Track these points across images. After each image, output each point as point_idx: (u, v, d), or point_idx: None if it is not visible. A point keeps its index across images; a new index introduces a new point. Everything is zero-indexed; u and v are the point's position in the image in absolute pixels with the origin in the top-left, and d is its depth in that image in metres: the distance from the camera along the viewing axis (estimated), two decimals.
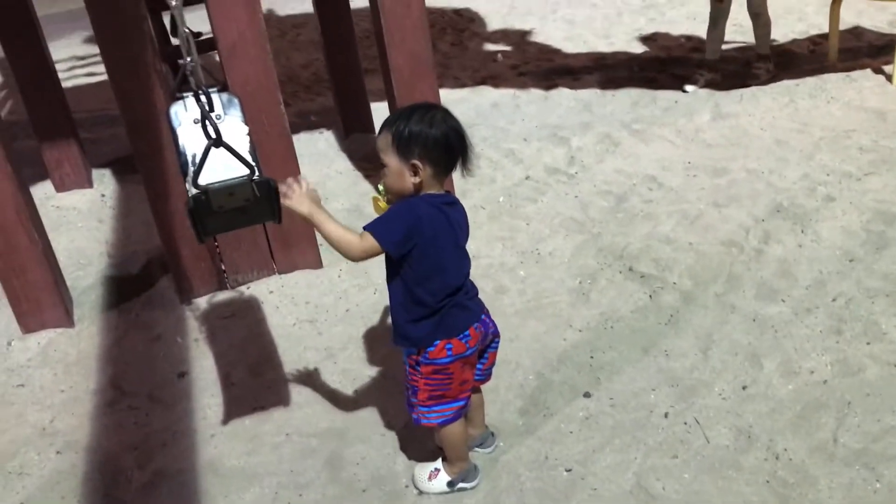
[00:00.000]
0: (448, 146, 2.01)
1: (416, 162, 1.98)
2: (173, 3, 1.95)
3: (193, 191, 1.89)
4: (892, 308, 2.80)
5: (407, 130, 1.98)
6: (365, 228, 2.01)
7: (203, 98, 1.91)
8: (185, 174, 2.02)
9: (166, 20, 5.58)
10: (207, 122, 1.86)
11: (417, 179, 2.01)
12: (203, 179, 1.92)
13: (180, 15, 1.92)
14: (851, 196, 3.57)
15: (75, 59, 7.13)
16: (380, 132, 2.05)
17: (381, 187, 2.12)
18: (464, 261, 2.13)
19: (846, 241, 3.24)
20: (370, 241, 1.98)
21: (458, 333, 2.09)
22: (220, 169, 1.95)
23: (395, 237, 1.98)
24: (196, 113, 2.01)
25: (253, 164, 1.97)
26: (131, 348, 3.11)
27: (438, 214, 2.02)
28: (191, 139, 2.02)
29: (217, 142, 1.86)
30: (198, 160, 1.94)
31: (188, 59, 1.92)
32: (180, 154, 2.03)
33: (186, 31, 1.89)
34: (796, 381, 2.53)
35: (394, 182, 2.03)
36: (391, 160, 2.01)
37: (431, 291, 2.05)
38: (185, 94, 2.07)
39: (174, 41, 5.42)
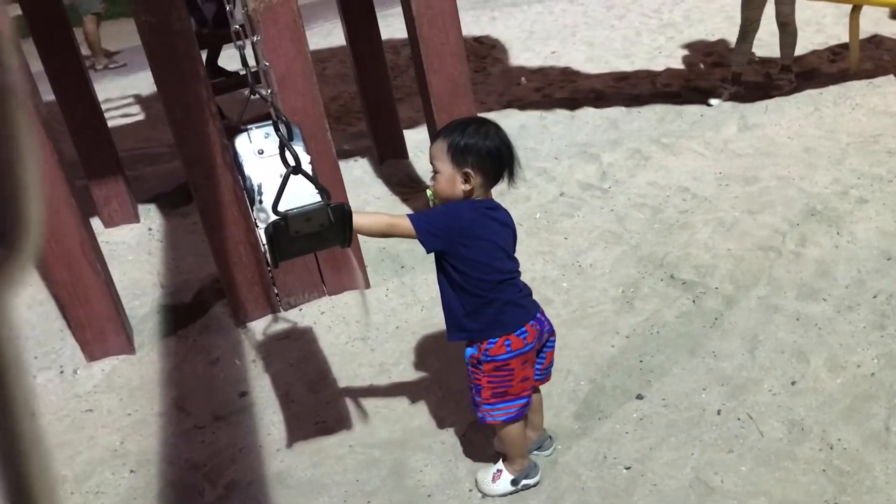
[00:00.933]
0: (499, 157, 2.15)
1: (469, 170, 2.11)
2: (254, 38, 2.08)
3: (272, 217, 2.00)
4: None
5: (463, 141, 2.11)
6: (409, 216, 2.13)
7: (283, 127, 2.03)
8: (252, 203, 2.13)
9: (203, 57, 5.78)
10: (286, 151, 1.97)
11: (468, 187, 2.13)
12: (280, 207, 2.03)
13: (254, 50, 2.05)
14: (884, 197, 3.64)
15: (109, 101, 7.36)
16: (435, 140, 2.19)
17: (429, 192, 2.25)
18: (506, 260, 2.22)
19: (882, 240, 3.31)
20: (404, 223, 2.10)
21: (515, 329, 2.19)
22: (291, 196, 2.06)
23: (430, 229, 2.10)
24: (259, 145, 2.14)
25: (327, 190, 2.09)
26: (192, 372, 3.23)
27: (479, 217, 2.14)
28: (256, 170, 2.14)
29: (297, 169, 1.98)
30: (265, 189, 2.05)
31: (268, 90, 2.04)
32: (247, 184, 2.15)
33: (266, 64, 2.02)
34: (844, 374, 2.60)
35: (444, 188, 2.16)
36: (445, 167, 2.13)
37: (476, 286, 2.16)
38: (248, 127, 2.20)
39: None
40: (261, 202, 2.13)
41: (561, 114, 5.50)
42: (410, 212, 4.51)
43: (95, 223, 4.61)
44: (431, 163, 2.19)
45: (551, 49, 7.10)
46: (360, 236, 3.69)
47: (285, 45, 3.08)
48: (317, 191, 1.99)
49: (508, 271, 2.21)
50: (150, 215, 4.71)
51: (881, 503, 2.11)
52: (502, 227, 2.20)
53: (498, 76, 6.70)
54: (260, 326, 3.43)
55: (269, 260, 2.05)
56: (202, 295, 3.72)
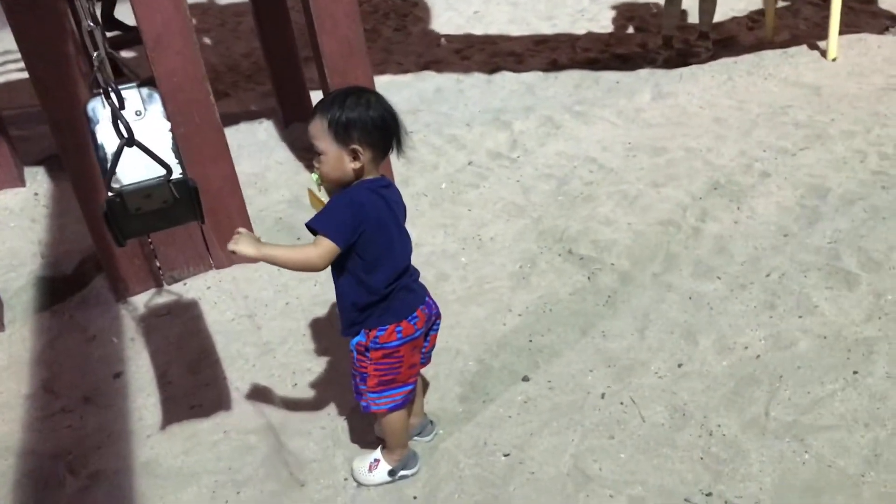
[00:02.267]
0: (385, 127, 2.00)
1: (356, 147, 1.96)
2: None
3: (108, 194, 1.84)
4: (824, 281, 2.85)
5: (344, 115, 1.95)
6: (309, 225, 1.97)
7: (113, 95, 1.84)
8: (104, 173, 1.95)
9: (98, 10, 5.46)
10: (118, 121, 1.80)
11: (358, 164, 1.98)
12: (122, 180, 1.86)
13: (85, 8, 1.85)
14: (786, 171, 3.62)
15: (7, 53, 6.92)
16: (312, 118, 2.01)
17: (315, 177, 2.08)
18: (407, 243, 2.12)
19: (780, 216, 3.28)
20: (326, 245, 1.94)
21: (406, 315, 2.09)
22: (140, 169, 1.89)
23: (345, 231, 1.96)
24: None
25: (172, 163, 1.91)
26: (65, 350, 3.04)
27: (378, 200, 2.01)
28: (109, 137, 1.95)
29: (130, 141, 1.80)
30: (110, 163, 1.87)
31: (94, 53, 1.85)
32: (98, 152, 1.96)
33: (90, 25, 1.83)
34: (731, 357, 2.56)
35: (331, 169, 2.00)
36: (328, 146, 1.97)
37: (381, 278, 2.04)
38: (101, 90, 2.01)
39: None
40: (107, 176, 1.95)
41: (478, 77, 5.35)
42: (313, 179, 4.31)
43: None
44: (312, 143, 2.01)
45: (474, 9, 6.92)
46: (253, 205, 3.52)
47: (161, 2, 2.85)
48: (158, 164, 1.82)
49: (409, 254, 2.10)
50: (38, 179, 4.44)
51: (753, 492, 2.08)
52: (397, 206, 2.08)
53: (418, 36, 6.50)
54: (141, 301, 3.25)
55: (112, 238, 1.88)
56: (83, 267, 3.51)
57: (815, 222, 3.21)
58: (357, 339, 2.13)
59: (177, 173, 1.92)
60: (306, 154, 4.42)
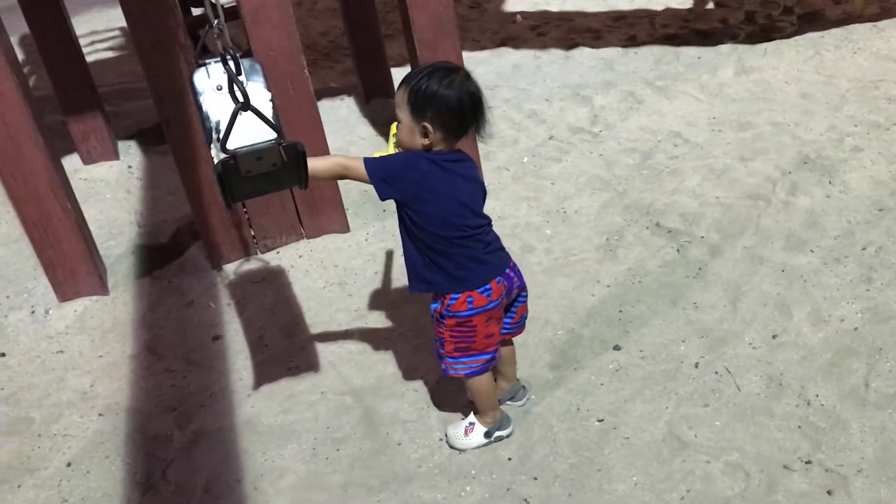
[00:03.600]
0: (461, 111, 2.01)
1: (427, 124, 1.99)
2: None
3: (221, 156, 1.91)
4: None
5: (423, 90, 1.98)
6: (365, 159, 2.04)
7: (231, 61, 1.91)
8: (209, 141, 2.03)
9: None
10: (235, 86, 1.86)
11: (427, 141, 2.02)
12: (231, 144, 1.93)
13: None
14: (880, 146, 3.53)
15: (94, 34, 7.16)
16: (399, 86, 2.06)
17: (393, 138, 2.14)
18: (467, 216, 2.10)
19: (875, 190, 3.22)
20: (359, 167, 2.02)
21: (478, 286, 2.11)
22: (247, 134, 1.95)
23: (384, 177, 2.01)
24: (218, 80, 2.01)
25: (280, 128, 1.98)
26: (165, 314, 3.17)
27: (437, 170, 2.03)
28: (214, 106, 2.02)
29: (245, 105, 1.87)
30: (223, 126, 1.95)
31: (215, 22, 1.92)
32: (204, 121, 2.03)
33: None
34: (826, 329, 2.53)
35: (405, 138, 2.06)
36: (405, 116, 2.02)
37: (433, 240, 2.08)
38: (207, 61, 2.08)
39: (195, 11, 5.44)
40: (218, 140, 2.03)
41: (556, 53, 5.34)
42: (392, 134, 4.38)
43: (74, 160, 4.51)
44: (395, 111, 2.08)
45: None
46: None
47: None
48: (270, 129, 1.89)
49: (471, 227, 2.10)
50: (131, 152, 4.60)
51: (855, 461, 2.07)
52: (465, 181, 2.08)
53: (493, 13, 6.51)
54: (235, 269, 3.36)
55: (222, 199, 1.96)
56: (179, 236, 3.64)
57: None
58: (434, 305, 2.19)
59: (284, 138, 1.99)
60: (387, 129, 4.48)
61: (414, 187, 2.03)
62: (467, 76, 2.05)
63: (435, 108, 1.98)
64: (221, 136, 1.92)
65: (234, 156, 1.91)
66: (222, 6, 2.04)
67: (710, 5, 5.87)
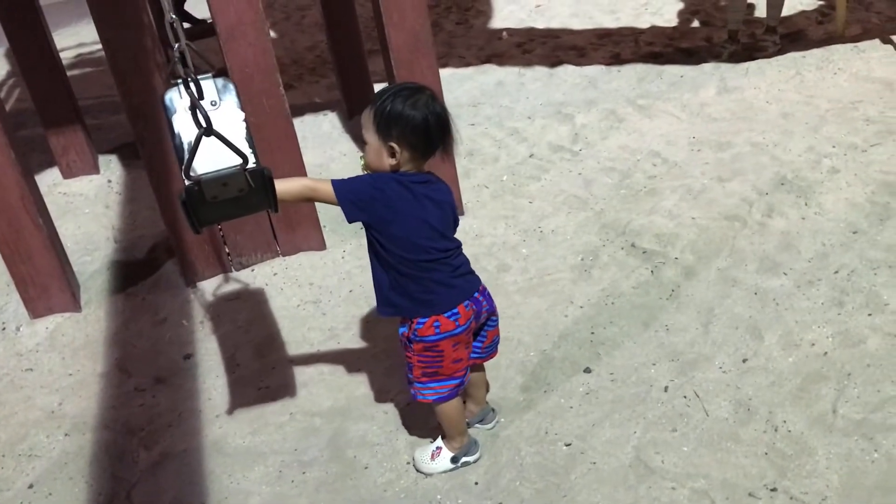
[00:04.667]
0: (426, 131, 2.01)
1: (393, 144, 1.99)
2: None
3: (186, 182, 1.89)
4: (895, 279, 2.79)
5: (389, 110, 1.99)
6: (333, 181, 2.04)
7: (193, 85, 1.90)
8: (181, 161, 2.02)
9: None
10: (197, 111, 1.85)
11: (394, 161, 2.02)
12: (198, 169, 1.91)
13: (167, 1, 1.92)
14: (856, 168, 3.54)
15: (81, 46, 7.16)
16: (366, 108, 2.06)
17: (362, 161, 2.14)
18: (435, 238, 2.08)
19: (850, 213, 3.22)
20: (327, 189, 2.02)
21: (444, 311, 2.10)
22: (213, 160, 1.94)
23: (352, 198, 2.01)
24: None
25: (247, 152, 1.96)
26: (138, 331, 3.15)
27: (404, 192, 2.03)
28: (186, 126, 2.01)
29: (208, 131, 1.85)
30: (188, 152, 1.93)
31: (175, 45, 1.91)
32: (175, 140, 2.02)
33: (172, 17, 1.89)
34: (797, 353, 2.53)
35: (372, 160, 2.06)
36: (371, 138, 2.03)
37: (400, 262, 2.07)
38: (179, 80, 2.07)
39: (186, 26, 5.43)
40: (186, 164, 2.01)
41: (540, 71, 5.35)
42: (360, 162, 4.37)
43: (54, 173, 4.50)
44: (362, 132, 2.08)
45: (536, 2, 6.91)
46: None
47: None
48: (235, 154, 1.87)
49: (438, 249, 2.09)
50: (111, 166, 4.59)
51: (820, 489, 2.05)
52: (433, 204, 2.07)
53: (480, 30, 6.52)
54: (210, 286, 3.35)
55: (189, 225, 1.94)
56: (155, 252, 3.63)
57: (886, 219, 3.14)
58: (402, 328, 2.17)
59: (251, 162, 1.97)
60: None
61: (381, 209, 2.02)
62: (433, 96, 2.05)
63: (400, 128, 1.98)
64: (185, 161, 1.90)
65: (198, 182, 1.89)
66: (199, 27, 2.04)
67: (696, 24, 5.89)
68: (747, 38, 5.30)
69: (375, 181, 2.04)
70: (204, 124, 1.82)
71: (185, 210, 1.88)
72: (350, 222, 2.07)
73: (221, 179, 1.84)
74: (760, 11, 5.45)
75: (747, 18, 5.57)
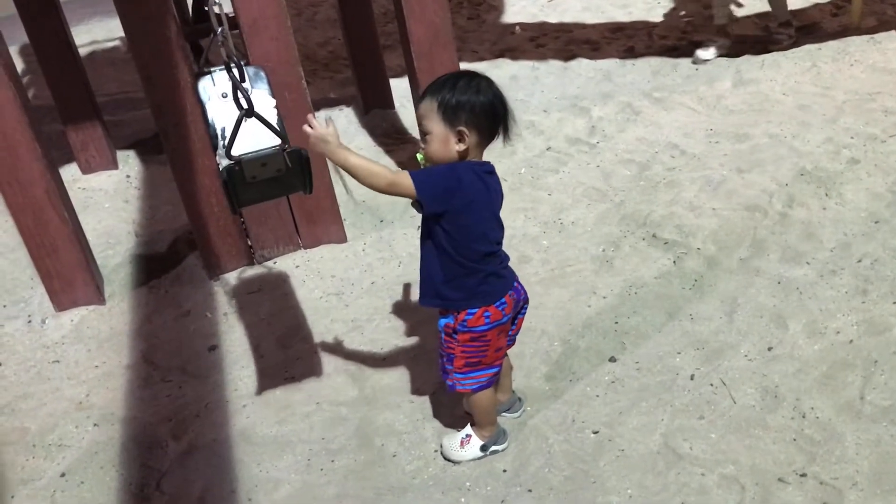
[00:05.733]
0: (494, 113, 2.02)
1: (463, 129, 1.99)
2: None
3: (226, 162, 1.92)
4: None
5: (455, 98, 1.98)
6: (410, 173, 1.99)
7: (234, 69, 1.93)
8: (215, 148, 2.04)
9: (189, 1, 5.62)
10: (239, 93, 1.88)
11: (463, 147, 2.01)
12: (236, 151, 1.94)
13: None
14: (876, 158, 3.54)
15: (94, 44, 7.19)
16: (422, 99, 2.05)
17: (420, 157, 2.12)
18: (497, 229, 2.13)
19: (871, 202, 3.22)
20: (405, 180, 1.96)
21: (495, 301, 2.12)
22: (252, 140, 1.97)
23: (431, 190, 1.98)
24: (223, 87, 2.03)
25: (284, 134, 2.00)
26: (162, 324, 3.17)
27: (478, 181, 2.03)
28: (220, 113, 2.04)
29: (249, 112, 1.89)
30: (228, 133, 1.96)
31: (219, 30, 1.94)
32: (210, 128, 2.05)
33: (217, 2, 1.92)
34: (822, 341, 2.53)
35: (437, 149, 2.02)
36: (436, 126, 2.00)
37: (465, 255, 2.07)
38: (212, 69, 2.10)
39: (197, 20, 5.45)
40: (224, 146, 2.04)
41: (554, 65, 5.35)
42: (393, 164, 4.42)
43: (72, 169, 4.52)
44: (420, 123, 2.07)
45: None
46: (339, 189, 3.62)
47: None
48: (274, 135, 1.90)
49: (498, 242, 2.12)
50: (129, 162, 4.61)
51: (850, 474, 2.06)
52: (496, 195, 2.10)
53: (492, 25, 6.52)
54: (233, 279, 3.36)
55: (228, 205, 1.97)
56: (176, 245, 3.65)
57: None
58: (445, 320, 2.17)
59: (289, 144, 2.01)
60: (386, 140, 4.50)
61: (458, 200, 2.00)
62: (490, 80, 2.06)
63: (468, 112, 1.98)
64: (226, 142, 1.94)
65: (239, 161, 1.93)
66: (226, 14, 2.06)
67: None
68: (762, 31, 5.29)
69: (451, 171, 2.01)
70: (245, 106, 1.85)
71: (225, 189, 1.91)
72: (428, 213, 2.03)
73: (261, 159, 1.87)
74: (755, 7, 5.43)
75: (763, 13, 5.56)
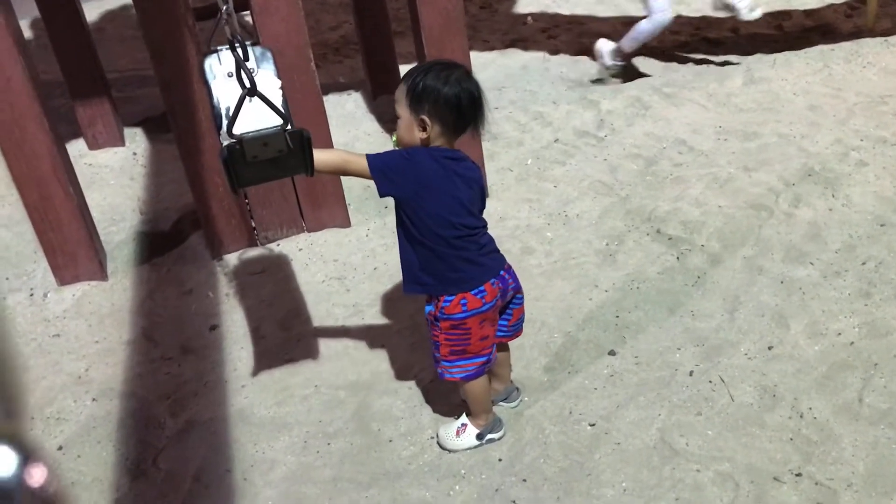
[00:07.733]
0: (458, 107, 2.02)
1: (425, 118, 2.00)
2: None
3: (228, 141, 1.92)
4: None
5: (421, 84, 2.00)
6: (367, 155, 2.05)
7: (238, 48, 1.92)
8: (218, 127, 2.04)
9: None
10: (242, 72, 1.87)
11: (424, 135, 2.03)
12: (237, 130, 1.94)
13: None
14: (885, 161, 3.52)
15: (106, 19, 7.17)
16: (399, 83, 2.08)
17: (394, 138, 2.16)
18: (465, 215, 2.10)
19: (878, 205, 3.21)
20: (362, 163, 2.03)
21: (471, 288, 2.11)
22: (254, 120, 1.97)
23: (386, 172, 2.02)
24: (229, 66, 2.03)
25: (286, 115, 1.99)
26: (163, 302, 3.18)
27: (435, 166, 2.04)
28: (225, 92, 2.04)
29: (252, 91, 1.88)
30: (231, 112, 1.96)
31: (223, 7, 1.93)
32: (214, 107, 2.05)
33: None
34: (823, 342, 2.53)
35: (404, 134, 2.07)
36: (403, 112, 2.04)
37: (432, 240, 2.08)
38: (219, 48, 2.09)
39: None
40: (229, 123, 2.04)
41: (565, 57, 5.33)
42: (392, 139, 4.39)
43: (79, 145, 4.52)
44: (394, 107, 2.09)
45: None
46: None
47: None
48: (276, 115, 1.90)
49: (467, 227, 2.10)
50: (136, 139, 4.60)
51: (845, 475, 2.06)
52: (463, 181, 2.08)
53: (504, 14, 6.49)
54: (235, 259, 3.37)
55: (228, 184, 1.97)
56: (180, 224, 3.65)
57: None
58: (429, 307, 2.18)
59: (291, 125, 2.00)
60: (394, 126, 4.47)
61: (413, 183, 2.03)
62: (466, 73, 2.07)
63: (432, 101, 2.00)
64: (228, 120, 1.94)
65: (240, 140, 1.93)
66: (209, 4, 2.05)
67: (722, 14, 5.84)
68: (774, 29, 5.26)
69: (409, 155, 2.05)
70: (248, 85, 1.84)
71: (225, 168, 1.91)
72: (381, 196, 2.08)
73: (262, 139, 1.87)
74: (790, 4, 5.40)
75: (781, 10, 5.52)
